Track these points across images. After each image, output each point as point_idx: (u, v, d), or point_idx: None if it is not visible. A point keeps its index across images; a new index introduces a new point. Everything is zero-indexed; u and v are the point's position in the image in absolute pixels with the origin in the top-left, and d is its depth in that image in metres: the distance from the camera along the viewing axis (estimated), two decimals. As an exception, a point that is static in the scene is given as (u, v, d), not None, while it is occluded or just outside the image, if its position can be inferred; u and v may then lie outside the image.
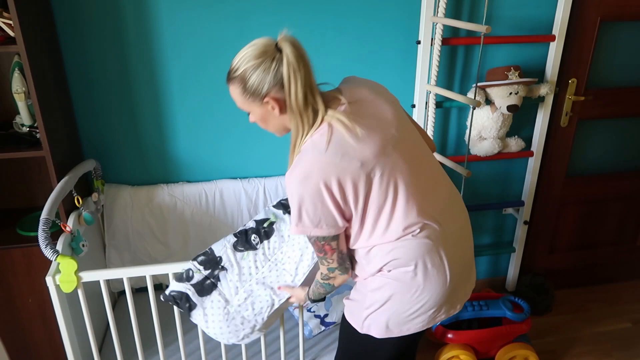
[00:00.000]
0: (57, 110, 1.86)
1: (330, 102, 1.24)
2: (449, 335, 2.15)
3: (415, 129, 1.39)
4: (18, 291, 1.96)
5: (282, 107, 1.21)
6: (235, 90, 1.22)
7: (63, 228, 1.68)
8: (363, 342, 1.39)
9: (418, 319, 1.33)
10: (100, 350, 1.97)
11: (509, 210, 2.64)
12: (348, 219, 1.25)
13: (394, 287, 1.30)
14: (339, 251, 1.28)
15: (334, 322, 2.08)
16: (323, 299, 1.54)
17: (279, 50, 1.17)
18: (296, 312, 2.15)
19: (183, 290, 1.59)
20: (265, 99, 1.19)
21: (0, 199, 2.14)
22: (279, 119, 1.25)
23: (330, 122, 1.20)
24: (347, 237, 1.31)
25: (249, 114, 1.29)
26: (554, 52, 2.24)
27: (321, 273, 1.36)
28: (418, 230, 1.26)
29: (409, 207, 1.24)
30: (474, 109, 2.20)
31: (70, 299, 1.64)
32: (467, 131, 2.34)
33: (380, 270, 1.31)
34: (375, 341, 1.37)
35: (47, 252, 1.53)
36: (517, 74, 2.16)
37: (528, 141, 2.44)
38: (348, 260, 1.33)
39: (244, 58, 1.18)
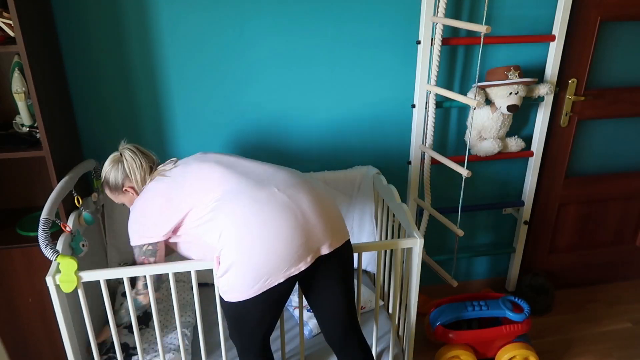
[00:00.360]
0: (57, 110, 1.86)
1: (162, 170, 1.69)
2: (449, 335, 2.15)
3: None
4: (18, 291, 1.96)
5: (135, 192, 1.70)
6: (107, 191, 1.74)
7: (63, 228, 1.68)
8: (231, 308, 1.52)
9: (262, 279, 1.43)
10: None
11: (509, 210, 2.64)
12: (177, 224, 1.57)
13: (231, 254, 1.44)
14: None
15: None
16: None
17: (122, 155, 1.69)
18: (296, 312, 2.15)
19: None
20: (124, 189, 1.69)
21: (0, 199, 2.14)
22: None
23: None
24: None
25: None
26: (554, 52, 2.24)
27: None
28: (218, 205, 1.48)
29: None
30: (474, 109, 2.20)
31: (70, 299, 1.64)
32: (467, 131, 2.34)
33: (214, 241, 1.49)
34: (238, 304, 1.48)
35: (47, 252, 1.53)
36: (517, 74, 2.16)
37: (528, 141, 2.44)
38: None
39: (104, 168, 1.72)
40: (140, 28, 1.96)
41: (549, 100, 2.33)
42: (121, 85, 2.04)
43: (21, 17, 1.58)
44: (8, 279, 1.93)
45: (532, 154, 2.44)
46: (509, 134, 2.37)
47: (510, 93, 2.16)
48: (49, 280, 1.56)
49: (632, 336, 2.52)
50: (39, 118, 1.70)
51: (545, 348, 2.41)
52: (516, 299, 2.23)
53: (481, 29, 1.83)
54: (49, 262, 1.64)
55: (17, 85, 1.76)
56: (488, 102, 2.25)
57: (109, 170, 1.70)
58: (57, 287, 1.57)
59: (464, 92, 2.32)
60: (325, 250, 1.50)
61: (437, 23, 2.08)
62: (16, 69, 1.75)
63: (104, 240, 2.16)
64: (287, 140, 2.26)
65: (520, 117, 2.40)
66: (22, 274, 1.93)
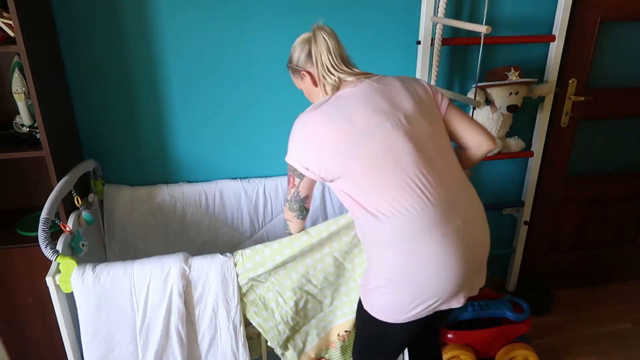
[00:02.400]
0: (57, 110, 1.86)
1: (348, 81, 1.45)
2: (449, 335, 2.15)
3: (442, 129, 1.47)
4: (18, 291, 1.96)
5: (314, 81, 1.49)
6: (290, 71, 1.57)
7: (63, 228, 1.68)
8: (374, 325, 1.44)
9: (417, 308, 1.37)
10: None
11: (509, 210, 2.64)
12: (325, 168, 1.39)
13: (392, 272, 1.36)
14: (297, 189, 1.50)
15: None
16: None
17: (314, 36, 1.46)
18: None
19: None
20: (302, 72, 1.50)
21: (0, 199, 2.14)
22: (315, 91, 1.51)
23: (336, 93, 1.45)
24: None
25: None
26: (554, 52, 2.24)
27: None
28: (410, 210, 1.31)
29: (396, 187, 1.33)
30: (474, 109, 2.20)
31: (70, 299, 1.64)
32: (467, 131, 2.34)
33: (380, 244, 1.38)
34: (388, 325, 1.42)
35: (47, 252, 1.53)
36: (517, 74, 2.16)
37: (528, 141, 2.44)
38: (303, 209, 1.56)
39: (293, 46, 1.54)
40: (140, 27, 1.96)
41: (549, 100, 2.33)
42: (121, 85, 2.04)
43: (21, 17, 1.58)
44: (8, 279, 1.93)
45: (532, 154, 2.44)
46: (509, 134, 2.37)
47: (511, 93, 2.16)
48: (49, 280, 1.56)
49: (632, 336, 2.51)
50: (39, 118, 1.70)
51: (545, 348, 2.41)
52: (516, 299, 2.22)
53: (481, 29, 1.83)
54: (49, 262, 1.64)
55: (17, 85, 1.76)
56: (488, 102, 2.25)
57: (294, 49, 1.52)
58: (57, 287, 1.57)
59: (464, 92, 2.32)
60: (473, 293, 1.45)
61: (437, 23, 2.08)
62: (16, 69, 1.75)
63: (104, 241, 2.16)
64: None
65: (520, 117, 2.39)
66: (22, 274, 1.93)
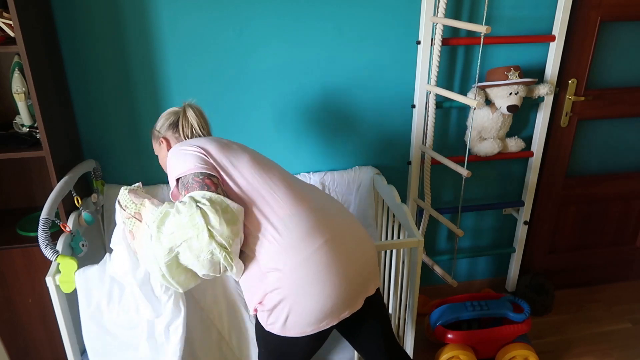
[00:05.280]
0: (57, 110, 1.86)
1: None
2: (449, 335, 2.15)
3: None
4: (18, 291, 1.96)
5: (169, 146, 1.63)
6: (152, 136, 1.71)
7: (63, 228, 1.68)
8: (278, 343, 1.40)
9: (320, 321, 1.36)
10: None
11: (509, 210, 2.64)
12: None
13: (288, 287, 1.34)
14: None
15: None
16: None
17: (183, 110, 1.64)
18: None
19: None
20: (161, 139, 1.63)
21: (0, 199, 2.14)
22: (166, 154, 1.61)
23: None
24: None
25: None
26: (554, 52, 2.24)
27: None
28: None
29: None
30: (474, 109, 2.20)
31: (70, 299, 1.65)
32: (467, 131, 2.34)
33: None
34: (290, 340, 1.38)
35: (47, 252, 1.53)
36: (517, 74, 2.16)
37: (528, 141, 2.44)
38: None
39: (160, 115, 1.69)
40: (140, 28, 1.96)
41: (549, 101, 2.33)
42: (121, 85, 2.04)
43: (21, 17, 1.58)
44: (8, 279, 1.93)
45: (532, 154, 2.44)
46: (509, 134, 2.37)
47: (510, 93, 2.16)
48: (48, 280, 1.56)
49: (632, 336, 2.52)
50: (39, 118, 1.70)
51: (545, 348, 2.41)
52: (516, 299, 2.23)
53: (481, 29, 1.83)
54: (49, 262, 1.64)
55: (17, 85, 1.77)
56: (488, 102, 2.25)
57: (160, 119, 1.67)
58: (57, 287, 1.57)
59: (464, 92, 2.32)
60: (370, 292, 1.46)
61: (437, 23, 2.08)
62: (16, 69, 1.75)
63: (104, 241, 2.16)
64: (286, 141, 2.26)
65: (520, 117, 2.40)
66: (22, 274, 1.93)
